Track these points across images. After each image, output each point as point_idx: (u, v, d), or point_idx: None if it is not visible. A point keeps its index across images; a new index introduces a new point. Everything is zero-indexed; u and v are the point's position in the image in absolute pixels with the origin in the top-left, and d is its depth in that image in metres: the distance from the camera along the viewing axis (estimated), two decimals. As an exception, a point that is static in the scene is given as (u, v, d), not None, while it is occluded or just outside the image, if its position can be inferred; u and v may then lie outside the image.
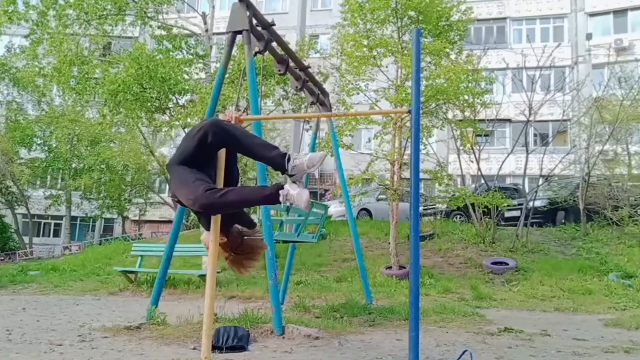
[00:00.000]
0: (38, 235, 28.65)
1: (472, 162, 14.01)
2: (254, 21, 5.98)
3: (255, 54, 6.06)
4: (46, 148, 24.92)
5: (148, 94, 12.91)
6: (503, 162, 14.54)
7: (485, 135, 15.34)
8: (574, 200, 14.70)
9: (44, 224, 29.54)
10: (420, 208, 4.54)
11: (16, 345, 4.80)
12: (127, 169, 20.67)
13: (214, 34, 14.82)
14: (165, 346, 4.84)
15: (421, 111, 4.78)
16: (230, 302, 8.01)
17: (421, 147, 7.16)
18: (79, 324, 6.10)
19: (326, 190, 24.17)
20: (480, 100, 12.66)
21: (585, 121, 15.45)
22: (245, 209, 3.23)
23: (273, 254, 5.45)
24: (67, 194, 24.90)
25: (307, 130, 14.12)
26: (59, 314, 6.94)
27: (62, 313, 7.07)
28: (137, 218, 27.69)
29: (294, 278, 9.80)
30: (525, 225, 13.62)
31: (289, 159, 2.80)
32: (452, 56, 12.19)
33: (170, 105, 13.75)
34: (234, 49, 7.89)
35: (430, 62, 11.65)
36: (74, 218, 27.28)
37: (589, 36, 25.61)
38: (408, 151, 10.13)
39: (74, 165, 23.63)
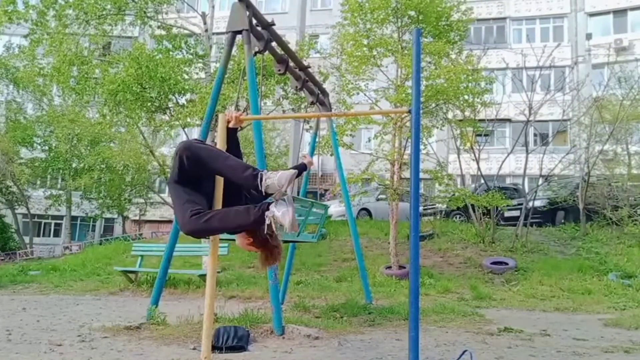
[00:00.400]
0: (38, 235, 28.61)
1: (472, 160, 14.01)
2: (254, 21, 5.99)
3: (255, 53, 6.06)
4: (46, 148, 24.90)
5: (148, 93, 12.88)
6: (503, 162, 14.56)
7: (485, 135, 15.33)
8: (574, 200, 14.71)
9: (44, 224, 29.50)
10: (420, 208, 4.54)
11: (16, 345, 4.80)
12: (127, 168, 20.60)
13: (213, 33, 14.76)
14: (165, 346, 4.85)
15: (421, 111, 4.77)
16: (230, 302, 8.02)
17: (421, 147, 7.16)
18: (79, 324, 6.11)
19: (326, 190, 24.17)
20: (480, 99, 12.65)
21: (585, 121, 15.45)
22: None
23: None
24: (67, 193, 24.86)
25: (307, 130, 14.14)
26: (59, 314, 6.95)
27: (62, 313, 7.07)
28: (137, 218, 27.65)
29: (294, 278, 9.81)
30: (525, 225, 13.63)
31: (261, 179, 2.79)
32: (452, 56, 12.19)
33: (170, 105, 13.72)
34: (234, 48, 7.88)
35: (430, 62, 11.65)
36: (74, 218, 27.25)
37: (588, 36, 25.59)
38: (408, 151, 10.14)
39: (74, 165, 23.57)
